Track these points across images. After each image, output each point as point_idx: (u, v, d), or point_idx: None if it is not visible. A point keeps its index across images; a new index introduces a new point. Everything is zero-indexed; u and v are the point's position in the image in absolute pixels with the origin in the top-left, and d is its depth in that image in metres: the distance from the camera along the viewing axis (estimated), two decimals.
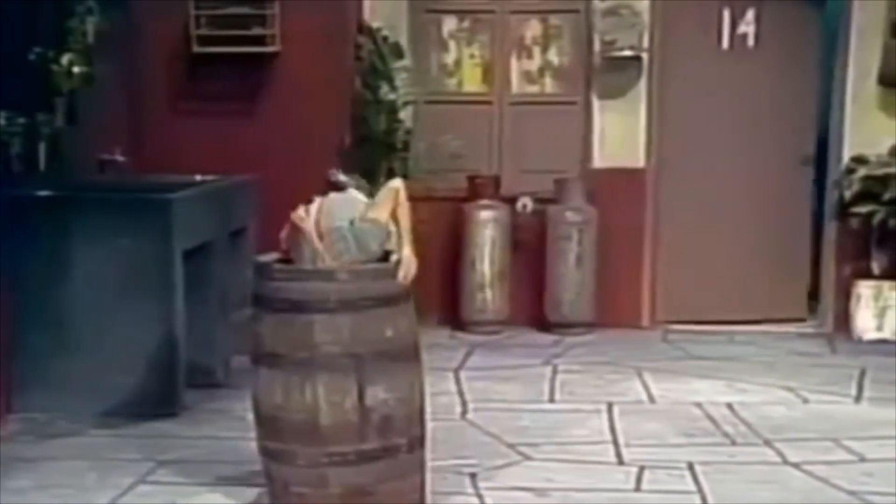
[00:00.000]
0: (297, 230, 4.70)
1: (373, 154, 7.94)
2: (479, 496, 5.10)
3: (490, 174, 8.43)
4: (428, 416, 4.81)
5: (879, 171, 7.92)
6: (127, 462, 5.49)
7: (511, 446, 5.75)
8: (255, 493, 4.93)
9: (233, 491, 5.08)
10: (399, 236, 4.70)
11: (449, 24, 8.61)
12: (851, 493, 5.11)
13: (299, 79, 7.75)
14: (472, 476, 5.31)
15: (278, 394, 4.55)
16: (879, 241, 8.02)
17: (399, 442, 4.60)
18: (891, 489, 5.14)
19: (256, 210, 7.22)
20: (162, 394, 6.19)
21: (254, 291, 4.68)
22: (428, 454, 4.82)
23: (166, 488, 5.18)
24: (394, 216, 4.70)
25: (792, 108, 8.41)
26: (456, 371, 7.23)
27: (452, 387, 6.86)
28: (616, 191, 8.25)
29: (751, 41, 8.38)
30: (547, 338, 8.20)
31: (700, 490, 5.15)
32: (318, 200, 4.80)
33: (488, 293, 8.32)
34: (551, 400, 6.70)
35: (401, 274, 4.60)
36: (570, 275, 8.24)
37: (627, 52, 8.21)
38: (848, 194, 8.02)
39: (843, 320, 8.19)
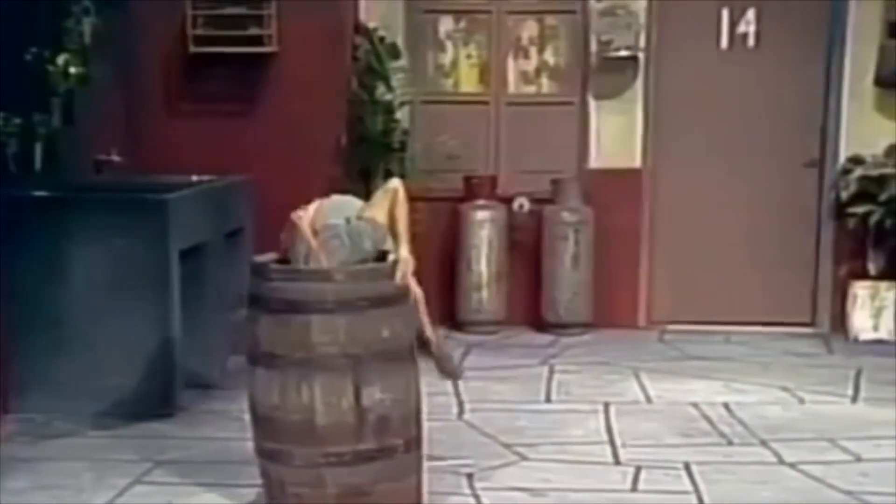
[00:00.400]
0: (294, 228, 4.70)
1: (369, 154, 7.94)
2: (476, 496, 5.10)
3: (487, 174, 8.43)
4: (424, 416, 4.82)
5: (876, 172, 7.93)
6: (124, 462, 5.48)
7: (508, 446, 5.75)
8: (251, 493, 4.93)
9: (229, 491, 5.08)
10: (396, 236, 4.71)
11: (445, 24, 8.61)
12: (848, 493, 5.12)
13: (296, 79, 7.75)
14: (469, 476, 5.31)
15: (275, 394, 4.55)
16: (876, 242, 8.03)
17: (396, 442, 4.60)
18: (887, 489, 5.14)
19: (253, 210, 7.22)
20: (159, 394, 6.19)
21: (250, 292, 4.68)
22: (424, 454, 4.82)
23: (163, 489, 5.18)
24: (391, 216, 4.71)
25: (795, 109, 8.38)
26: None
27: (449, 387, 6.85)
28: (612, 191, 8.26)
29: (751, 41, 8.38)
30: (544, 338, 8.21)
31: (696, 490, 5.15)
32: (317, 202, 4.80)
33: (485, 293, 8.32)
34: (548, 400, 6.71)
35: (398, 274, 4.61)
36: (566, 275, 8.24)
37: (624, 53, 8.21)
38: (844, 195, 8.03)
39: (840, 320, 8.19)
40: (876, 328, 8.03)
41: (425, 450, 4.83)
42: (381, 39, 8.06)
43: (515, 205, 8.42)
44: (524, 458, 5.61)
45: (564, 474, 5.37)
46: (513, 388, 6.91)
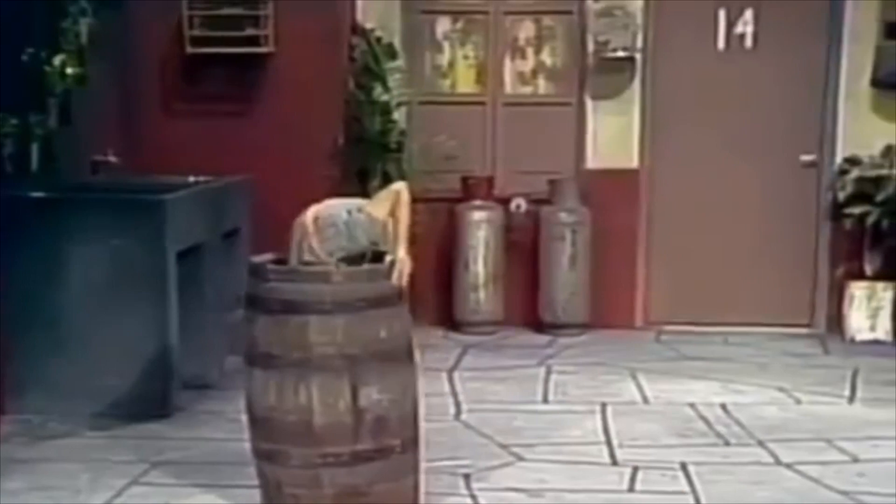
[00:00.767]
0: (299, 225, 4.71)
1: (367, 155, 7.94)
2: (473, 497, 5.10)
3: (484, 175, 8.43)
4: (422, 416, 4.81)
5: (872, 173, 7.94)
6: (121, 463, 5.48)
7: (505, 447, 5.75)
8: (248, 494, 4.92)
9: (226, 492, 5.08)
10: (396, 237, 4.71)
11: (442, 24, 8.61)
12: (844, 493, 5.12)
13: (293, 80, 7.75)
14: (466, 477, 5.31)
15: (272, 395, 4.55)
16: (873, 243, 8.03)
17: (393, 443, 4.60)
18: (883, 489, 5.15)
19: (250, 211, 7.22)
20: (155, 395, 6.18)
21: (248, 292, 4.68)
22: (422, 455, 4.82)
23: (160, 489, 5.17)
24: (393, 216, 4.71)
25: (793, 110, 8.37)
26: (450, 372, 7.23)
27: (446, 387, 6.86)
28: (609, 191, 8.26)
29: (748, 42, 8.38)
30: (541, 338, 8.21)
31: (693, 490, 5.16)
32: (323, 202, 4.82)
33: (482, 294, 8.32)
34: (545, 401, 6.71)
35: (395, 275, 4.61)
36: (563, 275, 8.24)
37: (621, 53, 8.21)
38: (841, 195, 8.03)
39: (837, 321, 8.20)
40: (873, 329, 8.03)
41: (422, 450, 4.82)
42: (378, 40, 8.06)
43: (513, 205, 8.42)
44: (521, 458, 5.61)
45: (561, 475, 5.37)
46: (510, 388, 6.91)
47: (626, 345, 8.00)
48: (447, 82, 8.67)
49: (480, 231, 8.29)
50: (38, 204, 6.22)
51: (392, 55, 8.10)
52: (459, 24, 8.61)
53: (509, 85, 8.61)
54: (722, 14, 8.35)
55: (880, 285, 8.03)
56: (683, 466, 5.46)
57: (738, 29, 8.34)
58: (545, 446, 5.78)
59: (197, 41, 7.73)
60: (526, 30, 8.57)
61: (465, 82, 8.66)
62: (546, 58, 8.57)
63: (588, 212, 8.26)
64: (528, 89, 8.63)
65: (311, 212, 4.74)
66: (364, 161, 7.93)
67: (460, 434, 6.00)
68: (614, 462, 5.58)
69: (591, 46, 8.33)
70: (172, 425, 6.09)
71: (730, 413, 6.36)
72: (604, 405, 6.50)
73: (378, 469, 4.57)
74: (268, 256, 4.79)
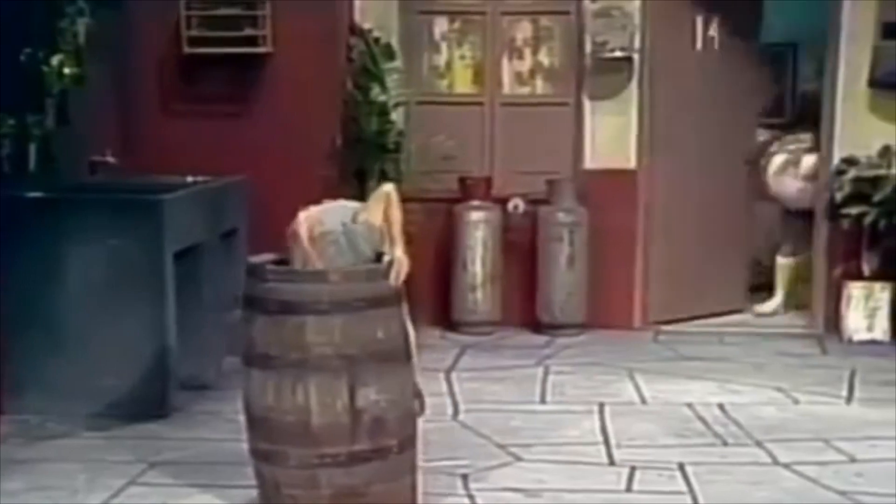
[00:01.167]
0: (293, 237, 4.70)
1: (364, 155, 7.94)
2: (471, 497, 5.10)
3: (481, 175, 8.43)
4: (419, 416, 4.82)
5: (870, 173, 7.94)
6: (118, 464, 5.48)
7: (502, 447, 5.75)
8: (246, 494, 4.93)
9: (224, 492, 5.09)
10: (391, 238, 4.71)
11: (440, 25, 8.61)
12: (842, 493, 5.13)
13: (291, 80, 7.75)
14: (464, 477, 5.31)
15: (270, 395, 4.55)
16: (870, 243, 8.03)
17: (390, 443, 4.60)
18: (881, 489, 5.15)
19: (248, 211, 7.22)
20: (153, 395, 6.18)
21: (245, 292, 4.69)
22: (419, 455, 4.82)
23: (157, 490, 5.18)
24: (386, 218, 4.71)
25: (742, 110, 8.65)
26: (447, 372, 7.23)
27: (444, 388, 6.86)
28: (607, 192, 8.26)
29: (716, 44, 8.49)
30: (538, 338, 8.20)
31: (691, 491, 5.16)
32: (311, 209, 4.80)
33: (480, 294, 8.32)
34: (543, 401, 6.71)
35: (392, 275, 4.61)
36: (561, 276, 8.24)
37: (618, 54, 8.21)
38: (839, 195, 8.03)
39: (834, 321, 8.19)
40: (870, 329, 8.03)
41: (420, 450, 4.83)
42: (376, 40, 8.05)
43: (510, 206, 8.42)
44: (519, 458, 5.61)
45: (559, 475, 5.37)
46: (508, 388, 6.91)
47: (623, 345, 8.00)
48: (445, 83, 8.66)
49: (478, 231, 8.28)
50: (36, 204, 6.22)
51: (390, 55, 8.09)
52: (457, 25, 8.61)
53: (507, 85, 8.61)
54: (699, 18, 8.40)
55: (878, 285, 8.02)
56: (681, 466, 5.46)
57: (710, 31, 8.41)
58: (543, 446, 5.78)
59: (195, 41, 7.73)
60: (523, 30, 8.56)
61: (463, 83, 8.65)
62: (544, 58, 8.57)
63: (586, 212, 8.26)
64: (525, 90, 8.62)
65: (304, 225, 4.69)
66: (362, 161, 7.93)
67: (458, 434, 6.01)
68: (612, 462, 5.58)
69: (588, 47, 8.32)
70: (170, 425, 6.09)
71: (727, 413, 6.37)
72: (601, 405, 6.50)
73: (375, 469, 4.58)
74: (265, 257, 4.80)
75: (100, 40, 6.86)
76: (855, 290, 8.07)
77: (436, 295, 8.35)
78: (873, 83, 8.06)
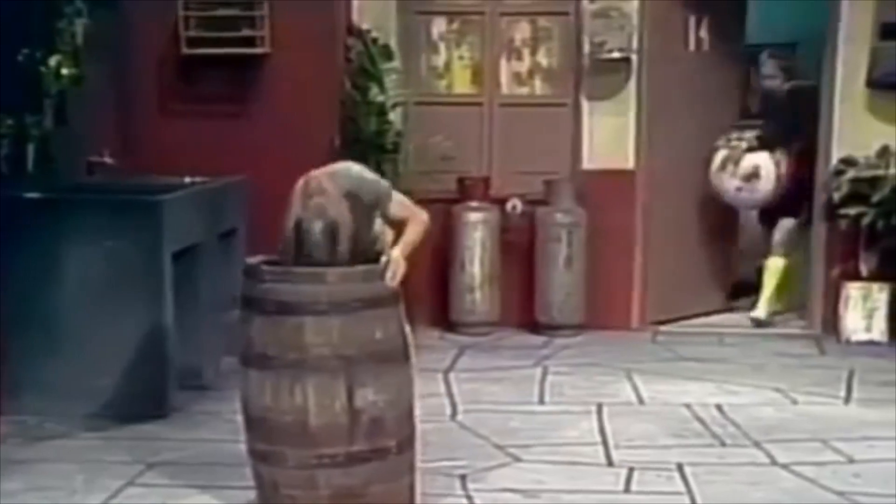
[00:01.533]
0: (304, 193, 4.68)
1: (363, 156, 7.89)
2: (469, 498, 5.10)
3: (480, 176, 8.43)
4: (417, 417, 4.81)
5: (868, 173, 7.94)
6: (116, 464, 5.48)
7: (501, 448, 5.75)
8: (244, 495, 4.93)
9: (222, 493, 5.08)
10: (395, 241, 4.72)
11: (438, 25, 8.60)
12: (840, 493, 5.13)
13: (289, 80, 7.75)
14: (462, 478, 5.31)
15: (267, 395, 4.55)
16: (868, 243, 8.02)
17: (388, 444, 4.60)
18: (879, 490, 5.16)
19: (246, 212, 7.21)
20: (151, 396, 6.18)
21: (243, 293, 4.68)
22: (418, 456, 4.82)
23: (156, 490, 5.17)
24: (400, 225, 4.74)
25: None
26: (446, 372, 7.23)
27: (442, 388, 6.86)
28: (605, 192, 8.25)
29: (706, 45, 8.51)
30: (537, 339, 8.20)
31: (689, 491, 5.16)
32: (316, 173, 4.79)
33: (478, 295, 8.32)
34: (541, 401, 6.71)
35: (388, 274, 4.60)
36: (559, 276, 8.24)
37: (616, 54, 8.21)
38: (836, 196, 8.03)
39: (832, 322, 8.19)
40: (868, 329, 8.03)
41: (418, 451, 4.82)
42: (374, 41, 8.06)
43: (509, 206, 8.42)
44: (517, 459, 5.61)
45: (557, 475, 5.37)
46: (506, 389, 6.91)
47: (622, 345, 8.00)
48: (443, 83, 8.66)
49: (476, 232, 8.28)
50: (35, 205, 6.22)
51: (388, 56, 8.09)
52: (455, 25, 8.60)
53: (505, 86, 8.60)
54: (692, 19, 8.41)
55: (876, 286, 8.02)
56: (679, 467, 5.46)
57: (702, 33, 8.42)
58: (541, 447, 5.78)
59: (193, 42, 7.73)
60: (522, 31, 8.56)
61: (462, 83, 8.65)
62: (542, 59, 8.56)
63: (584, 212, 8.26)
64: (524, 90, 8.62)
65: (300, 190, 4.69)
66: (360, 162, 7.84)
67: (456, 435, 6.00)
68: (610, 463, 5.58)
69: (586, 47, 8.32)
70: (168, 426, 6.09)
71: (726, 414, 6.37)
72: (600, 406, 6.50)
73: (374, 470, 4.58)
74: (263, 257, 4.79)
75: (98, 41, 6.86)
76: (853, 290, 8.06)
77: (434, 295, 8.35)
78: (871, 83, 8.06)
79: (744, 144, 8.37)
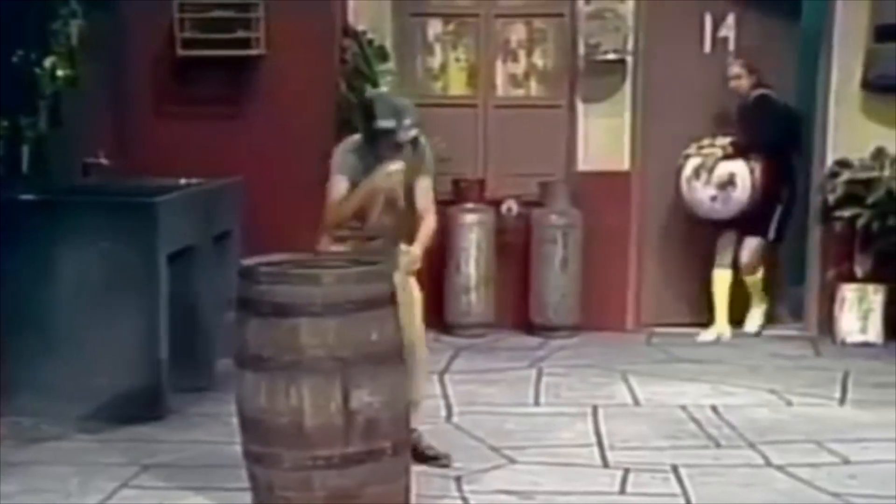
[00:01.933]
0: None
1: None
2: (464, 499, 5.11)
3: (475, 177, 8.43)
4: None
5: (863, 175, 7.95)
6: (111, 466, 5.48)
7: (496, 449, 5.75)
8: (240, 496, 4.91)
9: (217, 495, 5.08)
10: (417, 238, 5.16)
11: (434, 27, 8.61)
12: (835, 495, 5.14)
13: (284, 82, 7.74)
14: (457, 479, 5.31)
15: (263, 397, 4.54)
16: (863, 245, 8.04)
17: (384, 445, 4.60)
18: (874, 491, 5.16)
19: (241, 213, 7.21)
20: (147, 397, 6.17)
21: (239, 295, 4.68)
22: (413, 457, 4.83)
23: (150, 492, 5.17)
24: (414, 213, 5.21)
25: None
26: (441, 374, 7.23)
27: (437, 390, 6.85)
28: (601, 194, 8.26)
29: (732, 45, 8.41)
30: (532, 340, 8.20)
31: (684, 492, 5.17)
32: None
33: (473, 296, 8.32)
34: (536, 403, 6.71)
35: (404, 262, 4.68)
36: (554, 278, 8.25)
37: (612, 56, 8.21)
38: (832, 198, 8.04)
39: (827, 323, 8.20)
40: (863, 331, 8.03)
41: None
42: (370, 42, 8.06)
43: (504, 208, 8.42)
44: (512, 461, 5.61)
45: (552, 477, 5.37)
46: (501, 390, 6.91)
47: (617, 347, 8.01)
48: (439, 85, 8.67)
49: (472, 233, 8.28)
50: (30, 206, 6.21)
51: (383, 57, 8.10)
52: (451, 27, 8.61)
53: (501, 87, 8.61)
54: (708, 18, 8.38)
55: (871, 287, 8.03)
56: (674, 468, 5.47)
57: (722, 32, 8.38)
58: (536, 449, 5.78)
59: (188, 43, 7.72)
60: (517, 32, 8.57)
61: (457, 85, 8.65)
62: (537, 60, 8.57)
63: (579, 214, 8.27)
64: (519, 92, 8.63)
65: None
66: None
67: (451, 436, 6.00)
68: (605, 464, 5.58)
69: (582, 49, 8.32)
70: (164, 428, 6.08)
71: (721, 415, 6.37)
72: (595, 407, 6.51)
73: (369, 471, 4.57)
74: (259, 259, 4.79)
75: (93, 42, 6.84)
76: (848, 292, 8.08)
77: (429, 297, 8.26)
78: (866, 85, 8.08)
79: (718, 152, 7.96)
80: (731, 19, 8.38)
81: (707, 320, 8.30)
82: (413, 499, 4.83)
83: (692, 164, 8.08)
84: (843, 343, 8.05)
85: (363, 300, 4.53)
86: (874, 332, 8.02)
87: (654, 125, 8.37)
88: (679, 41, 8.37)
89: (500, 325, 8.42)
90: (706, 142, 8.09)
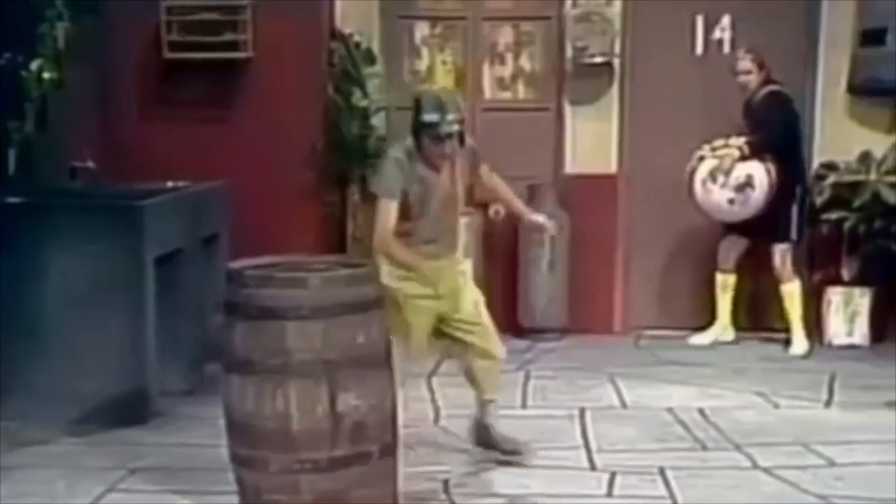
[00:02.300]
0: None
1: (345, 160, 7.94)
2: (452, 502, 5.10)
3: None
4: (400, 422, 4.82)
5: (849, 178, 7.96)
6: (98, 470, 5.46)
7: (483, 452, 5.75)
8: (227, 500, 4.91)
9: (204, 499, 5.07)
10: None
11: (421, 30, 8.61)
12: (821, 497, 5.15)
13: (271, 85, 7.74)
14: (445, 482, 5.31)
15: (250, 400, 4.54)
16: (850, 248, 8.05)
17: (371, 448, 4.60)
18: (860, 493, 5.18)
19: (229, 216, 7.20)
20: (134, 401, 6.16)
21: (226, 298, 4.68)
22: (400, 461, 4.83)
23: (137, 496, 5.16)
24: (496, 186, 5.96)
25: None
26: (428, 377, 7.22)
27: (425, 393, 6.85)
28: (588, 197, 8.26)
29: (726, 47, 8.41)
30: (519, 343, 8.18)
31: (671, 495, 5.18)
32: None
33: None
34: (524, 406, 6.71)
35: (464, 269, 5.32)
36: (542, 280, 8.23)
37: (599, 59, 8.22)
38: (818, 201, 8.05)
39: (814, 326, 8.22)
40: (850, 333, 8.06)
41: (401, 456, 4.83)
42: (357, 45, 8.06)
43: (491, 211, 8.41)
44: (500, 464, 5.60)
45: (540, 480, 5.38)
46: None
47: (604, 349, 8.01)
48: (426, 87, 8.66)
49: None
50: (16, 210, 6.20)
51: (371, 60, 8.10)
52: (438, 30, 8.61)
53: (488, 90, 8.62)
54: (700, 20, 8.39)
55: (857, 290, 8.05)
56: (661, 471, 5.47)
57: (716, 35, 8.38)
58: (524, 451, 5.77)
59: (175, 46, 7.72)
60: (505, 35, 8.58)
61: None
62: (525, 63, 8.58)
63: (566, 217, 8.26)
64: (506, 95, 8.64)
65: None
66: (343, 166, 7.94)
67: (439, 439, 6.00)
68: (593, 467, 5.59)
69: (569, 52, 8.33)
70: (151, 431, 6.07)
71: (708, 418, 6.38)
72: (582, 410, 6.51)
73: (356, 474, 4.58)
74: (246, 262, 4.79)
75: (79, 45, 6.84)
76: (835, 295, 8.09)
77: None
78: (852, 89, 8.10)
79: (735, 153, 7.68)
80: (726, 21, 8.37)
81: (703, 324, 8.27)
82: (400, 501, 4.83)
83: (707, 166, 7.81)
84: (830, 346, 8.07)
85: (350, 303, 4.53)
86: (860, 335, 8.04)
87: (642, 128, 8.38)
88: (668, 44, 8.37)
89: None
90: (719, 143, 7.83)
